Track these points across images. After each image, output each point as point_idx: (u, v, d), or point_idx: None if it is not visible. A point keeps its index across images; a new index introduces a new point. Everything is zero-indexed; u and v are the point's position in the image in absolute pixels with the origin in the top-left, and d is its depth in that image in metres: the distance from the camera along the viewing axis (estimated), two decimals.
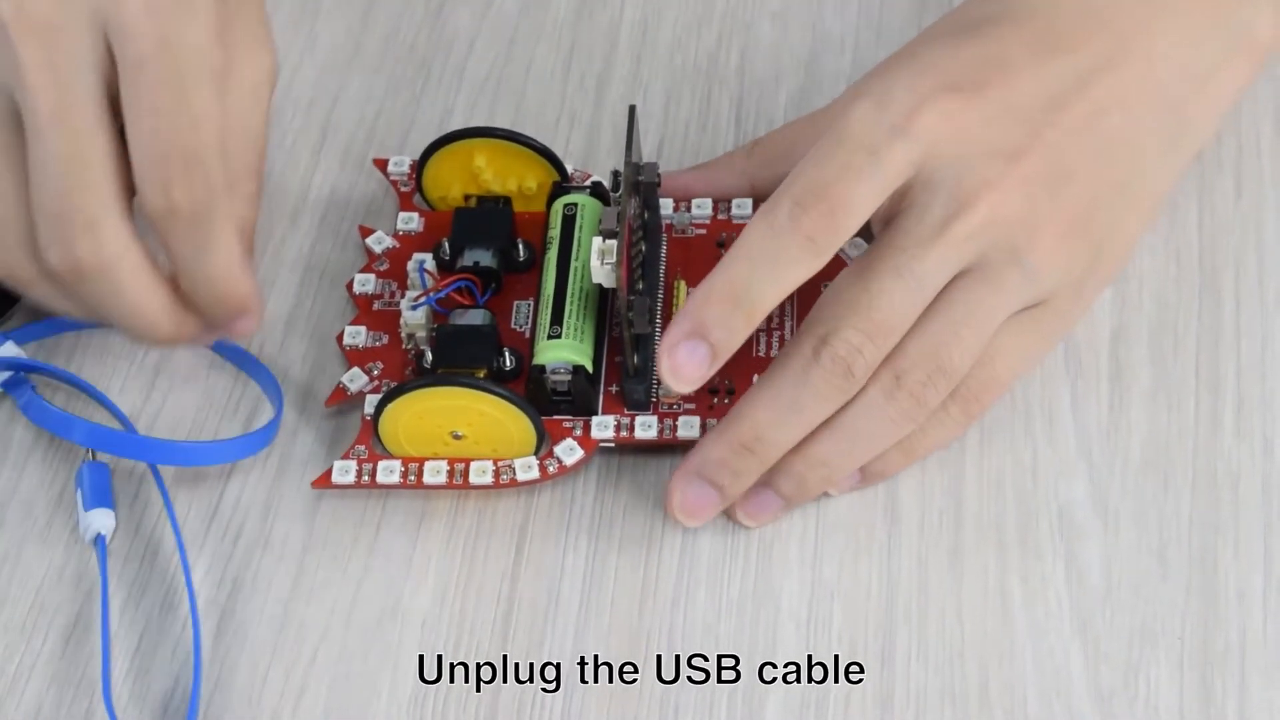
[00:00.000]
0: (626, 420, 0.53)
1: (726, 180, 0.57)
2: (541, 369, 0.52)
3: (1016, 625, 0.51)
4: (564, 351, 0.52)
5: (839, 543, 0.52)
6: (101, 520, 0.52)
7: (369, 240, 0.57)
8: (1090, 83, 0.52)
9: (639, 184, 0.53)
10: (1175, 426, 0.54)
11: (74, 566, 0.52)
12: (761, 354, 0.54)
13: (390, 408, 0.51)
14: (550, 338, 0.52)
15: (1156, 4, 0.53)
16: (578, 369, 0.52)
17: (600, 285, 0.52)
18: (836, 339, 0.49)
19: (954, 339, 0.50)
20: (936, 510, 0.53)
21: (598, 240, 0.51)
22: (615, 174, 0.53)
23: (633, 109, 0.53)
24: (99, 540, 0.52)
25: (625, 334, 0.51)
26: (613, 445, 0.52)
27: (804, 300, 0.53)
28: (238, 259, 0.50)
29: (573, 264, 0.54)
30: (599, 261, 0.51)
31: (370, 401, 0.53)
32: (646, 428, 0.52)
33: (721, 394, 0.53)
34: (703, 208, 0.57)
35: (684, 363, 0.49)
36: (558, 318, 0.53)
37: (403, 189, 0.58)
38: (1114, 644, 0.50)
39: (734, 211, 0.57)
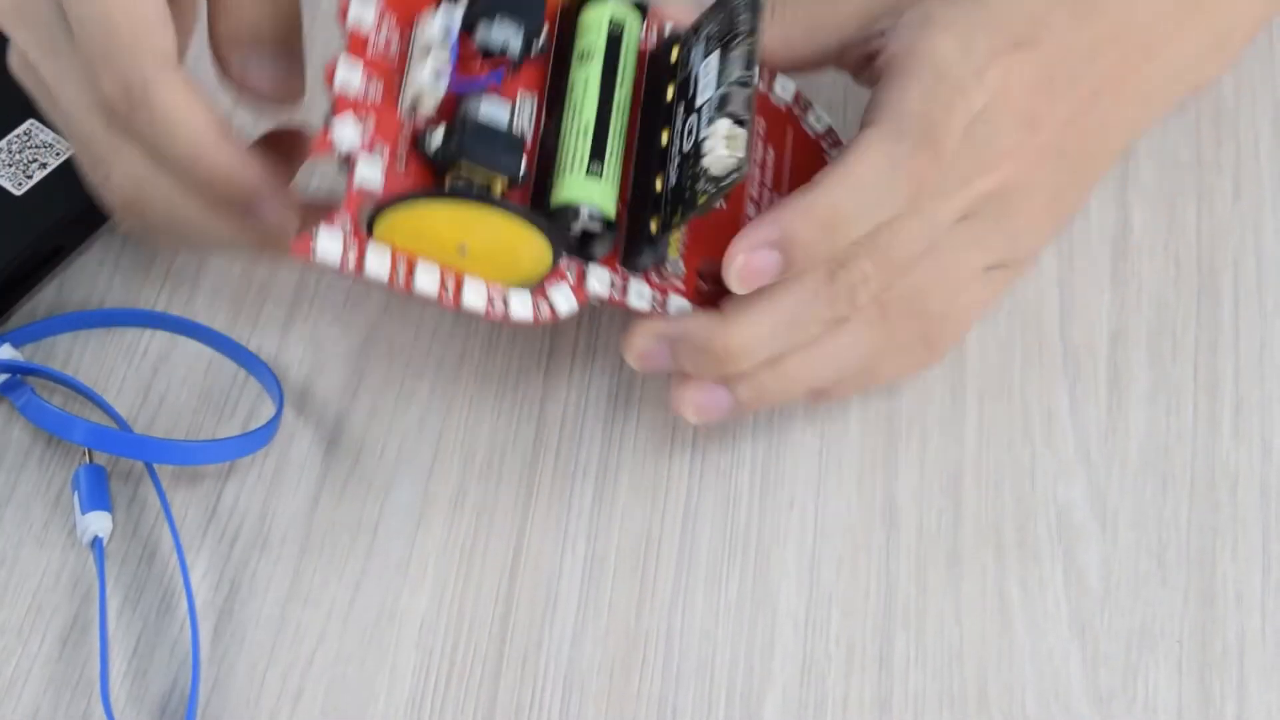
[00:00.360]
0: (621, 280, 0.50)
1: (826, 24, 0.54)
2: (575, 211, 0.48)
3: (1015, 627, 0.51)
4: (600, 197, 0.48)
5: (837, 545, 0.52)
6: (99, 523, 0.52)
7: None
8: (1101, 65, 0.53)
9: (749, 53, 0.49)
10: (1174, 429, 0.54)
11: (71, 569, 0.52)
12: None
13: (406, 207, 0.46)
14: (590, 174, 0.48)
15: (1173, 6, 0.54)
16: (610, 225, 0.48)
17: (644, 133, 0.49)
18: (854, 268, 0.49)
19: (938, 284, 0.52)
20: (935, 512, 0.53)
21: (724, 124, 0.47)
22: (700, 24, 0.50)
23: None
24: (96, 543, 0.52)
25: (684, 210, 0.48)
26: (600, 303, 0.49)
27: None
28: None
29: (616, 95, 0.49)
30: (724, 150, 0.47)
31: (364, 165, 0.46)
32: (640, 297, 0.49)
33: (710, 279, 0.51)
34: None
35: (759, 269, 0.48)
36: (599, 153, 0.48)
37: None
38: (1113, 646, 0.50)
39: (775, 91, 0.53)
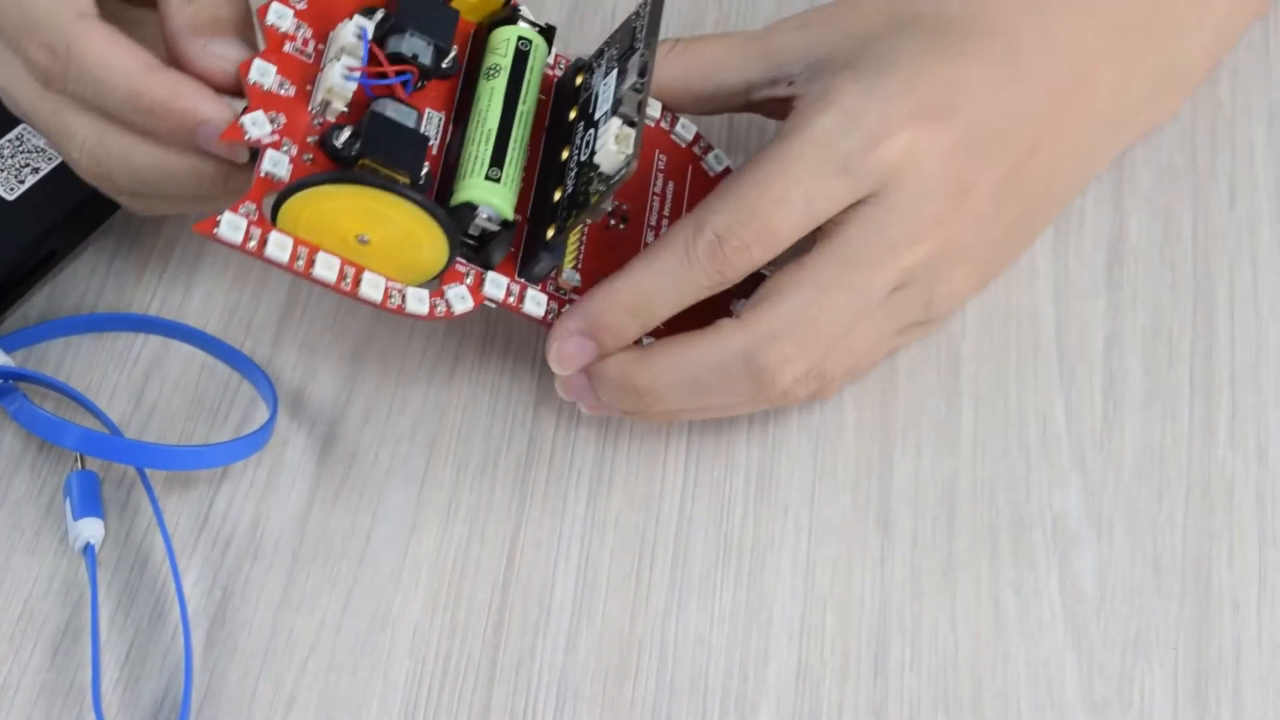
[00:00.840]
0: (517, 287, 0.51)
1: (727, 64, 0.54)
2: (473, 208, 0.49)
3: (1010, 634, 0.51)
4: (498, 199, 0.49)
5: (831, 552, 0.52)
6: (91, 529, 0.51)
7: None
8: (1034, 120, 0.52)
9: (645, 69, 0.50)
10: (1169, 435, 0.54)
11: (63, 575, 0.52)
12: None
13: (311, 192, 0.47)
14: (489, 179, 0.49)
15: (1104, 42, 0.54)
16: (507, 225, 0.50)
17: (552, 150, 0.51)
18: (774, 350, 0.50)
19: (844, 352, 0.51)
20: (930, 519, 0.53)
21: (615, 123, 0.49)
22: (603, 50, 0.52)
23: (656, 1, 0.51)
24: (88, 549, 0.51)
25: (576, 212, 0.50)
26: (494, 306, 0.51)
27: None
28: None
29: (520, 108, 0.51)
30: (614, 145, 0.49)
31: (271, 159, 0.48)
32: (536, 303, 0.51)
33: None
34: (652, 108, 0.55)
35: (572, 355, 0.51)
36: (499, 159, 0.50)
37: None
38: (1108, 653, 0.50)
39: (677, 130, 0.55)
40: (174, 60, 0.49)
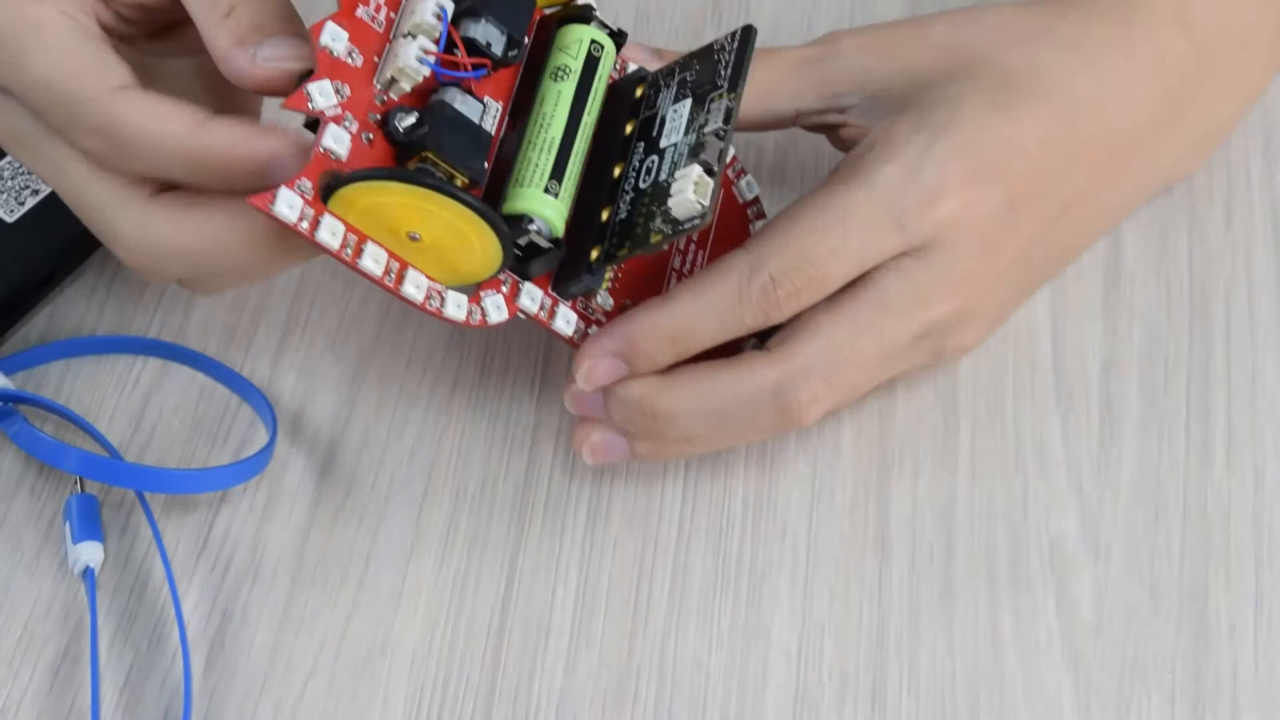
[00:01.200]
0: (549, 301, 0.50)
1: (780, 91, 0.54)
2: (528, 220, 0.48)
3: (1007, 659, 0.51)
4: (553, 214, 0.48)
5: (829, 575, 0.52)
6: (90, 553, 0.52)
7: None
8: (1072, 180, 0.53)
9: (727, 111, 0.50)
10: (1166, 458, 0.54)
11: (62, 599, 0.52)
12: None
13: (370, 186, 0.46)
14: (548, 192, 0.48)
15: (1150, 109, 0.54)
16: (557, 243, 0.49)
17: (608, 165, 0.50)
18: (804, 388, 0.50)
19: (860, 391, 0.52)
20: (927, 543, 0.53)
21: (696, 170, 0.48)
22: (674, 70, 0.51)
23: (751, 30, 0.51)
24: (88, 573, 0.51)
25: (631, 245, 0.49)
26: (525, 318, 0.50)
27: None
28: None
29: (584, 118, 0.50)
30: (692, 194, 0.48)
31: (332, 134, 0.46)
32: (566, 321, 0.50)
33: None
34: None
35: (602, 374, 0.50)
36: (559, 172, 0.49)
37: None
38: (1105, 678, 0.50)
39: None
40: (230, 79, 0.48)
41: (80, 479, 0.53)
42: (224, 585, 0.52)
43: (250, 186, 0.46)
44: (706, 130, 0.49)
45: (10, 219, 0.56)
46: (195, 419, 0.55)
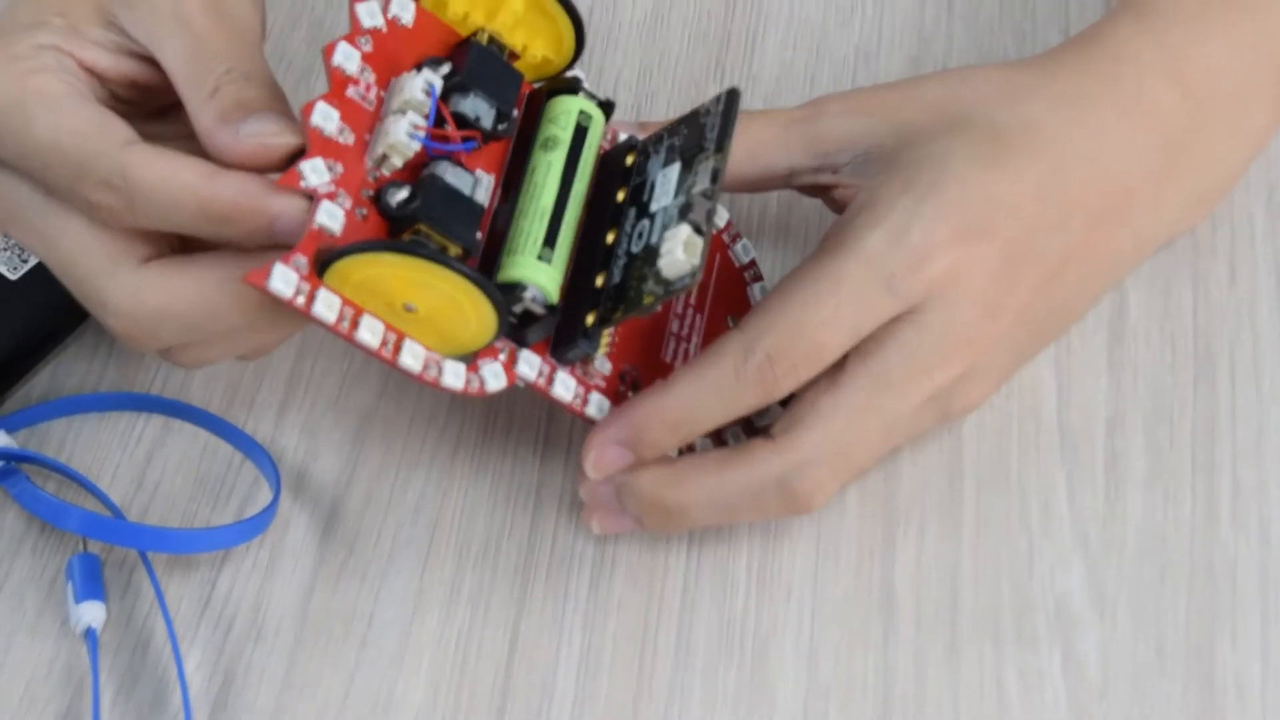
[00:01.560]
0: (548, 368, 0.50)
1: (772, 148, 0.54)
2: (523, 288, 0.49)
3: (1013, 718, 0.50)
4: (547, 281, 0.49)
5: (834, 636, 0.52)
6: (92, 613, 0.51)
7: (360, 7, 0.49)
8: (1069, 236, 0.52)
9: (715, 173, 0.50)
10: (1171, 515, 0.54)
11: (64, 659, 0.52)
12: (667, 359, 0.53)
13: (365, 257, 0.46)
14: (540, 259, 0.49)
15: (1145, 162, 0.54)
16: (551, 309, 0.49)
17: (596, 229, 0.51)
18: (809, 475, 0.50)
19: (868, 464, 0.52)
20: (932, 602, 0.53)
21: (685, 229, 0.48)
22: (662, 137, 0.52)
23: (735, 93, 0.51)
24: (90, 633, 0.51)
25: (624, 308, 0.49)
26: (524, 385, 0.50)
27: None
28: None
29: (575, 186, 0.51)
30: (682, 254, 0.48)
31: (326, 210, 0.46)
32: (565, 387, 0.51)
33: (629, 384, 0.52)
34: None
35: (609, 462, 0.51)
36: (551, 239, 0.49)
37: None
38: None
39: None
40: (213, 154, 0.48)
41: (83, 538, 0.53)
42: (226, 645, 0.52)
43: (256, 241, 0.47)
44: (694, 191, 0.50)
45: (13, 276, 0.56)
46: (198, 476, 0.55)
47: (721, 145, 0.50)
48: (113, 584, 0.53)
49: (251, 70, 0.49)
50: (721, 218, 0.55)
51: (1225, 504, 0.54)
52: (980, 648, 0.52)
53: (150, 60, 0.50)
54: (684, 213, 0.49)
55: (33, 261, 0.56)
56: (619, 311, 0.49)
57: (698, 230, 0.49)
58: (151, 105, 0.51)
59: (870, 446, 0.51)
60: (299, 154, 0.47)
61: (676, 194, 0.50)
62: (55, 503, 0.52)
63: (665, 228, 0.50)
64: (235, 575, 0.53)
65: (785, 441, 0.50)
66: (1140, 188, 0.54)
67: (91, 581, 0.52)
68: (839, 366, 0.50)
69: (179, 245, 0.50)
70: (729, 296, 0.55)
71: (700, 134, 0.51)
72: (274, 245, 0.47)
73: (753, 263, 0.56)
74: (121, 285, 0.48)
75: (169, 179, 0.47)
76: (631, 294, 0.49)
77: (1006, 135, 0.52)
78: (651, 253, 0.49)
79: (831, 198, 0.54)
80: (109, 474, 0.55)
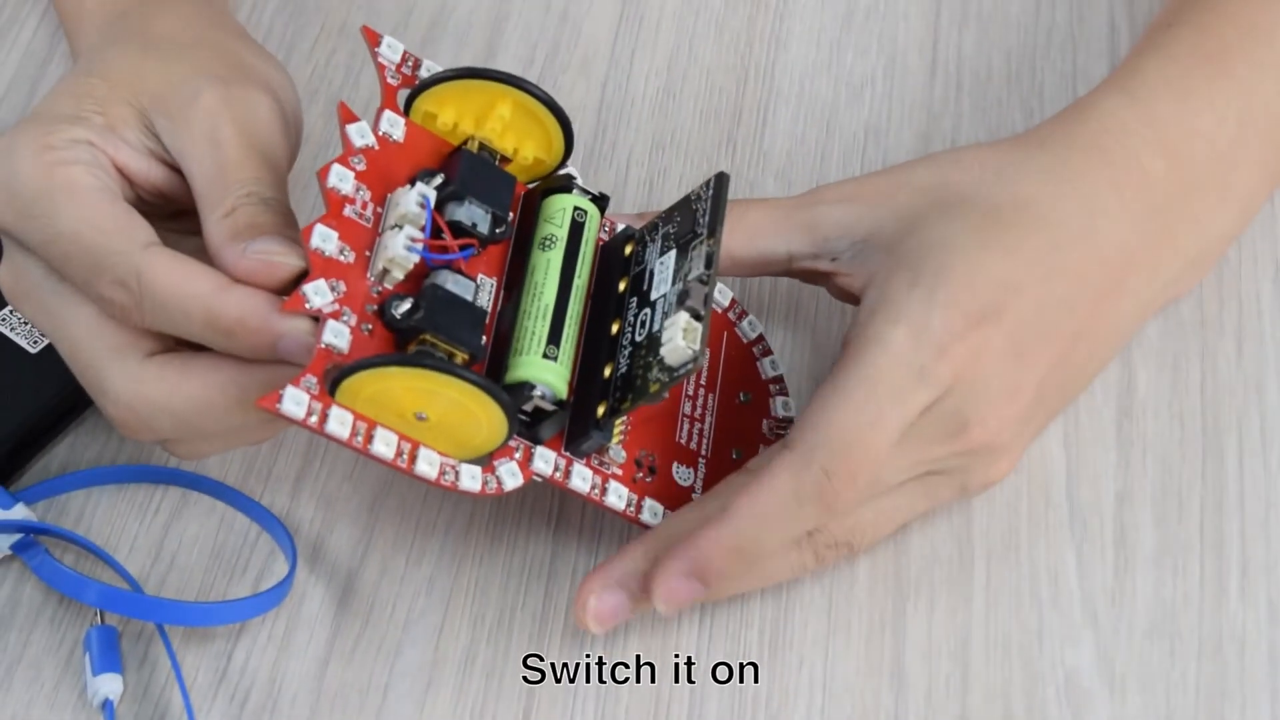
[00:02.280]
0: (564, 462, 0.51)
1: (771, 233, 0.55)
2: (532, 386, 0.50)
3: None
4: (554, 378, 0.50)
5: (845, 708, 0.52)
6: (109, 685, 0.52)
7: (351, 128, 0.51)
8: (1075, 313, 0.53)
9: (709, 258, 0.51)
10: (1180, 591, 0.54)
11: None
12: (682, 441, 0.54)
13: (376, 373, 0.47)
14: (546, 357, 0.50)
15: (1139, 230, 0.55)
16: (561, 404, 0.50)
17: (600, 325, 0.52)
18: (827, 534, 0.52)
19: (874, 531, 0.53)
20: (943, 675, 0.53)
21: (683, 316, 0.49)
22: (657, 225, 0.53)
23: (724, 177, 0.52)
24: (107, 705, 0.52)
25: (633, 397, 0.50)
26: (541, 480, 0.51)
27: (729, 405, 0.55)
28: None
29: (575, 282, 0.52)
30: (681, 341, 0.49)
31: (332, 329, 0.48)
32: (582, 479, 0.51)
33: (645, 469, 0.53)
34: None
35: (677, 593, 0.50)
36: (555, 336, 0.50)
37: (389, 80, 0.53)
38: None
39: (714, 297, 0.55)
40: (219, 268, 0.49)
41: (100, 610, 0.53)
42: (242, 717, 0.52)
43: (260, 355, 0.49)
44: (690, 277, 0.51)
45: (33, 350, 0.57)
46: (215, 549, 0.56)
47: (714, 230, 0.51)
48: (129, 656, 0.53)
49: (270, 198, 0.50)
50: (725, 296, 0.56)
51: (1234, 579, 0.55)
52: None
53: (178, 170, 0.51)
54: (682, 300, 0.50)
55: None
56: (628, 401, 0.50)
57: (696, 316, 0.50)
58: (170, 209, 0.52)
59: (881, 512, 0.52)
60: (303, 276, 0.49)
61: (674, 281, 0.51)
62: (74, 576, 0.52)
63: (665, 315, 0.50)
64: (251, 647, 0.54)
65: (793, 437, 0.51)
66: (1137, 255, 0.55)
67: (109, 654, 0.52)
68: None
69: (184, 342, 0.51)
70: (739, 373, 0.56)
71: (693, 220, 0.52)
72: (278, 360, 0.49)
73: (760, 337, 0.57)
74: (123, 376, 0.50)
75: (180, 287, 0.48)
76: (639, 383, 0.50)
77: (1002, 213, 0.53)
78: (654, 341, 0.50)
79: (834, 284, 0.55)
80: (126, 546, 0.55)
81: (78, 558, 0.55)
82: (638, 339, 0.51)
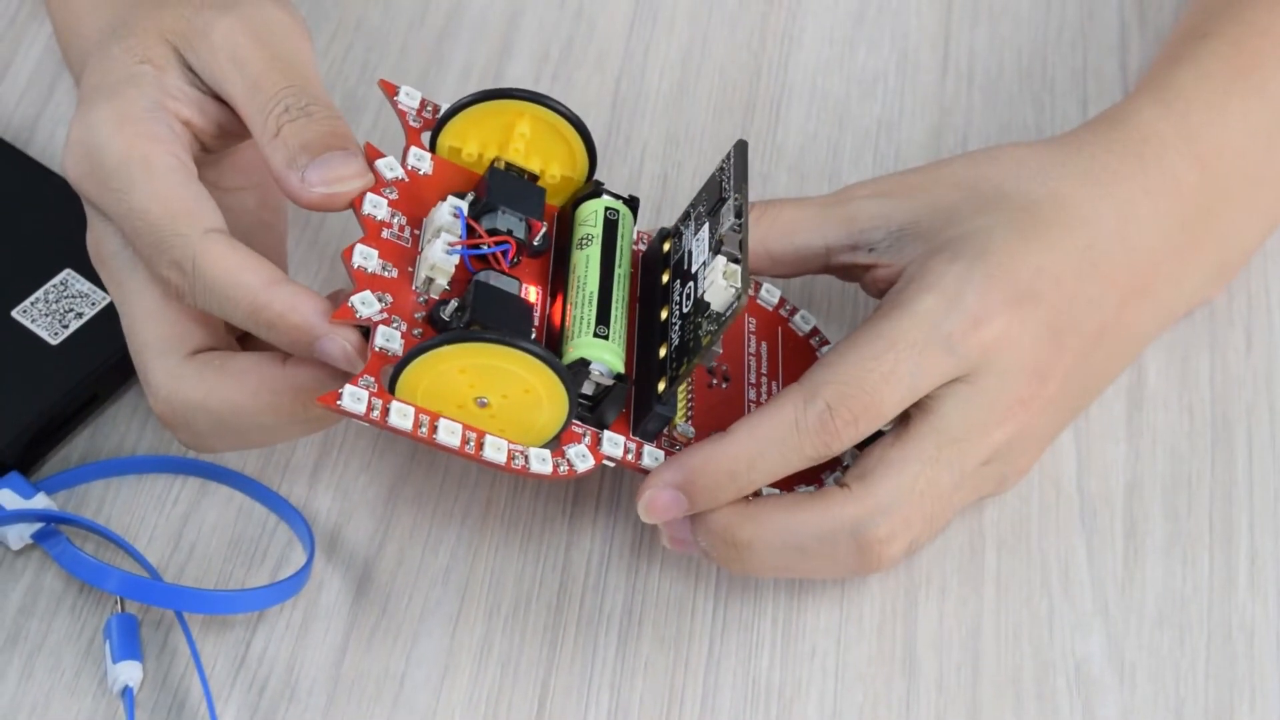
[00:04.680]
0: (634, 445, 0.52)
1: (807, 228, 0.56)
2: (586, 363, 0.50)
3: None
4: (609, 355, 0.51)
5: (858, 698, 0.53)
6: (129, 672, 0.52)
7: (380, 164, 0.52)
8: (1103, 311, 0.54)
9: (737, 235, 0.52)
10: (1190, 581, 0.55)
11: (102, 718, 0.52)
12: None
13: (436, 354, 0.48)
14: (597, 336, 0.51)
15: (1169, 240, 0.55)
16: (620, 378, 0.51)
17: (652, 310, 0.52)
18: (883, 526, 0.51)
19: (936, 523, 0.53)
20: (954, 664, 0.53)
21: (720, 261, 0.50)
22: (688, 212, 0.54)
23: (743, 144, 0.53)
24: (127, 692, 0.52)
25: (688, 359, 0.50)
26: (614, 464, 0.51)
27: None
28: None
29: (616, 270, 0.53)
30: (723, 281, 0.50)
31: (384, 334, 0.49)
32: (654, 459, 0.52)
33: None
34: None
35: (663, 507, 0.51)
36: (604, 317, 0.51)
37: (411, 123, 0.55)
38: None
39: (762, 295, 0.57)
40: (288, 198, 0.51)
41: (120, 598, 0.54)
42: (260, 705, 0.53)
43: (296, 351, 0.50)
44: (722, 229, 0.51)
45: (54, 342, 0.57)
46: (233, 538, 0.56)
47: (740, 186, 0.52)
48: (149, 643, 0.54)
49: (309, 102, 0.51)
50: (774, 294, 0.57)
51: (1243, 569, 0.55)
52: (1001, 711, 0.53)
53: (222, 100, 0.53)
54: (717, 249, 0.51)
55: (73, 327, 0.58)
56: (685, 364, 0.51)
57: (734, 260, 0.50)
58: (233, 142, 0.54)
59: (939, 500, 0.52)
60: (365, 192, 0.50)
61: (710, 242, 0.52)
62: (94, 564, 0.53)
63: (707, 265, 0.51)
64: (270, 636, 0.54)
65: (859, 489, 0.51)
66: (1164, 263, 0.55)
67: (129, 642, 0.53)
68: (904, 424, 0.51)
69: (236, 332, 0.52)
70: (800, 363, 0.56)
71: (719, 189, 0.53)
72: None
73: (815, 330, 0.57)
74: (164, 373, 0.51)
75: (230, 276, 0.50)
76: (691, 344, 0.51)
77: (1040, 210, 0.54)
78: (701, 304, 0.51)
79: (872, 278, 0.55)
80: (146, 535, 0.56)
81: (98, 547, 0.56)
82: (685, 311, 0.52)
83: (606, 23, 0.67)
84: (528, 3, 0.68)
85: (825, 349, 0.57)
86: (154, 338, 0.51)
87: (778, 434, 0.50)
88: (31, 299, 0.58)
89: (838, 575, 0.54)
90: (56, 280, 0.58)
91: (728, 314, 0.50)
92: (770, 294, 0.57)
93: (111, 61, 0.52)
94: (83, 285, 0.58)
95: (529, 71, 0.66)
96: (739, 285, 0.50)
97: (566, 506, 0.57)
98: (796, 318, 0.57)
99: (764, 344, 0.55)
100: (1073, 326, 0.53)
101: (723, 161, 0.53)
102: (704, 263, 0.51)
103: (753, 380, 0.55)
